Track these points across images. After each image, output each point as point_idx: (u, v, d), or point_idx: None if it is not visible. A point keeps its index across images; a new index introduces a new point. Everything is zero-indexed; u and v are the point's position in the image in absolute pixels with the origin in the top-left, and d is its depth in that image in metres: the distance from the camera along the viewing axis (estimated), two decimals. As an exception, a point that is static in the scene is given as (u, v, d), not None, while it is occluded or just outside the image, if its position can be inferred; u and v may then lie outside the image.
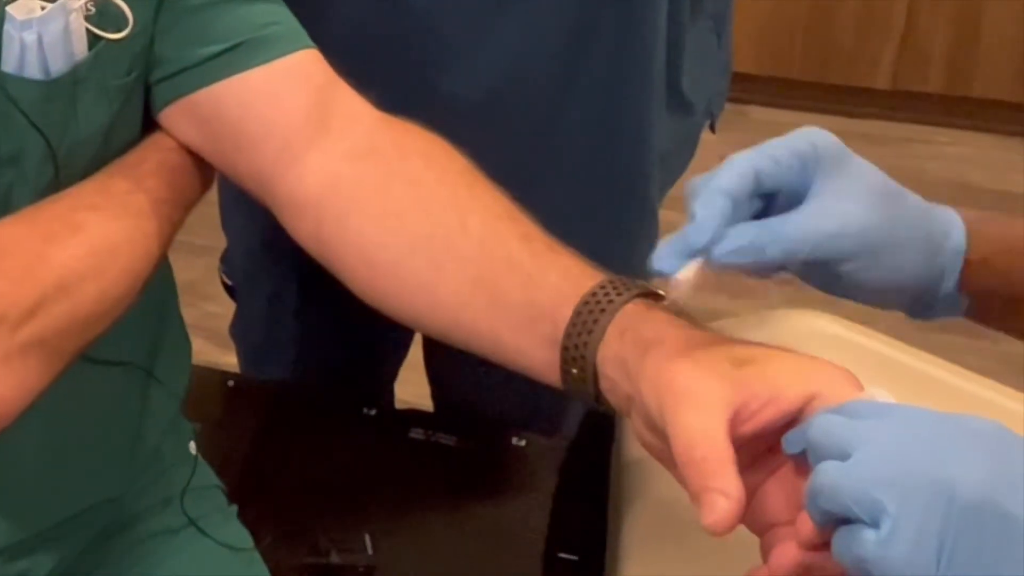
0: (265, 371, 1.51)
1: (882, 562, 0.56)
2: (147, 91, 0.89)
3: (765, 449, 0.68)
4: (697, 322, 0.74)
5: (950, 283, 0.77)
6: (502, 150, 1.18)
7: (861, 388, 0.66)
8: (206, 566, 1.03)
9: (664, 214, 1.35)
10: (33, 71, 0.78)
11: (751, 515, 0.67)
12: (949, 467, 0.56)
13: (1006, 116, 3.21)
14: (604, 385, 0.74)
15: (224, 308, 1.57)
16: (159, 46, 0.86)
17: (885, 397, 0.64)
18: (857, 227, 0.71)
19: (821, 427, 0.62)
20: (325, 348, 1.49)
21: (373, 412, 1.38)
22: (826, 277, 0.74)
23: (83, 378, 0.86)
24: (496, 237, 0.81)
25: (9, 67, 0.77)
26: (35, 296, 0.76)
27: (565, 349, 0.75)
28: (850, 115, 3.26)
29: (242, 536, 1.07)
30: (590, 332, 0.74)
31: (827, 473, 0.59)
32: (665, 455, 0.66)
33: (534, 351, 0.78)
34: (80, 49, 0.80)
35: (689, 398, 0.66)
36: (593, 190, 1.27)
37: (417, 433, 1.34)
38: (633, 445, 0.82)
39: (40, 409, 0.79)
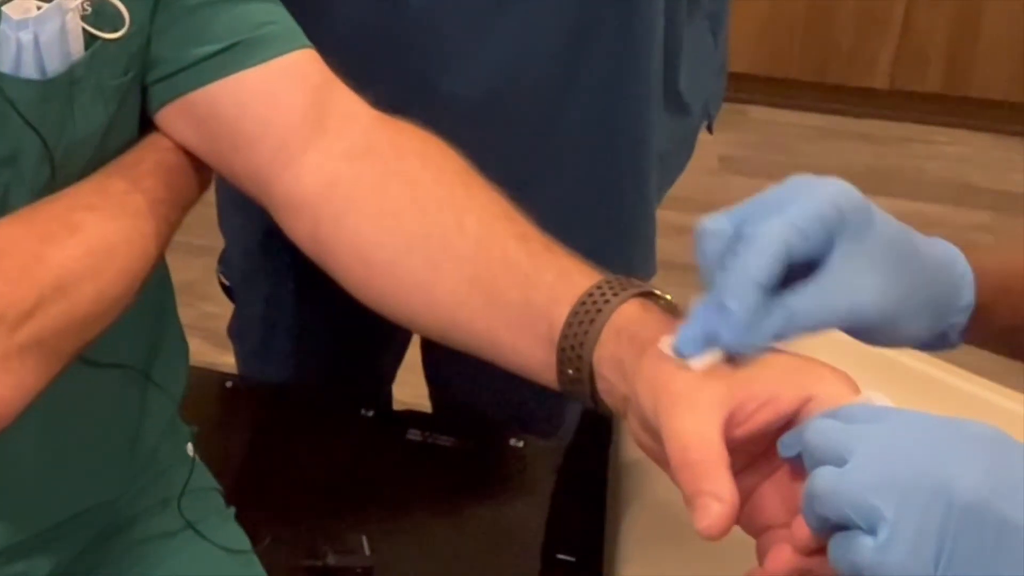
0: (263, 371, 1.50)
1: (879, 568, 0.56)
2: (144, 91, 0.88)
3: (761, 451, 0.67)
4: None
5: (956, 334, 0.77)
6: (501, 150, 1.18)
7: (858, 391, 0.66)
8: (204, 568, 1.03)
9: (663, 214, 1.35)
10: (29, 71, 0.78)
11: (747, 517, 0.67)
12: (946, 472, 0.56)
13: (1005, 115, 3.21)
14: (601, 386, 0.74)
15: (222, 308, 1.56)
16: (156, 46, 0.86)
17: (882, 400, 0.64)
18: (874, 306, 0.69)
19: (817, 431, 0.61)
20: (323, 349, 1.49)
21: (371, 413, 1.38)
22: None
23: (81, 380, 0.86)
24: (493, 237, 0.81)
25: (5, 67, 0.77)
26: (33, 296, 0.76)
27: (561, 350, 0.75)
28: (849, 115, 3.27)
29: (240, 538, 1.07)
30: (586, 333, 0.74)
31: (823, 479, 0.59)
32: (661, 456, 0.66)
33: (531, 351, 0.78)
34: (76, 49, 0.80)
35: (684, 400, 0.65)
36: (591, 190, 1.27)
37: (415, 434, 1.34)
38: (631, 446, 0.82)
39: (38, 411, 0.78)
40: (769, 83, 3.24)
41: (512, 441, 1.34)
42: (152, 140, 0.89)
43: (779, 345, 0.69)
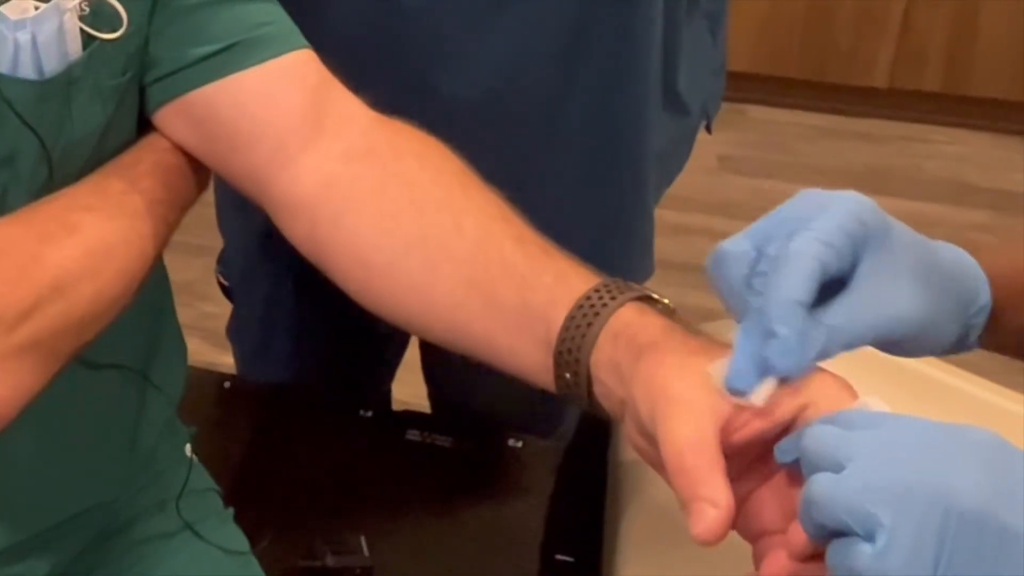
0: (262, 372, 1.50)
1: None
2: (142, 91, 0.88)
3: (758, 456, 0.67)
4: (692, 328, 0.73)
5: (974, 337, 0.76)
6: (500, 150, 1.18)
7: (855, 396, 0.66)
8: (202, 569, 1.02)
9: (661, 213, 1.35)
10: (27, 71, 0.78)
11: (743, 523, 0.67)
12: (945, 479, 0.55)
13: (1003, 115, 3.21)
14: (598, 390, 0.74)
15: (221, 308, 1.56)
16: (153, 46, 0.86)
17: (880, 406, 0.64)
18: (907, 317, 0.68)
19: (814, 437, 0.61)
20: (321, 349, 1.48)
21: (369, 414, 1.38)
22: None
23: (79, 381, 0.86)
24: (490, 239, 0.81)
25: (3, 67, 0.77)
26: (30, 297, 0.76)
27: (559, 354, 0.75)
28: (848, 114, 3.27)
29: (238, 539, 1.07)
30: (583, 336, 0.74)
31: (820, 485, 0.58)
32: (657, 461, 0.66)
33: (528, 354, 0.77)
34: (74, 49, 0.80)
35: (680, 405, 0.65)
36: (590, 190, 1.27)
37: (413, 435, 1.34)
38: (630, 447, 0.82)
39: (36, 412, 0.78)
40: (768, 82, 3.24)
41: (511, 441, 1.34)
42: (150, 140, 0.89)
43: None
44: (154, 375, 0.99)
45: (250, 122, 0.86)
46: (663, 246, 1.38)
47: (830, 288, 0.67)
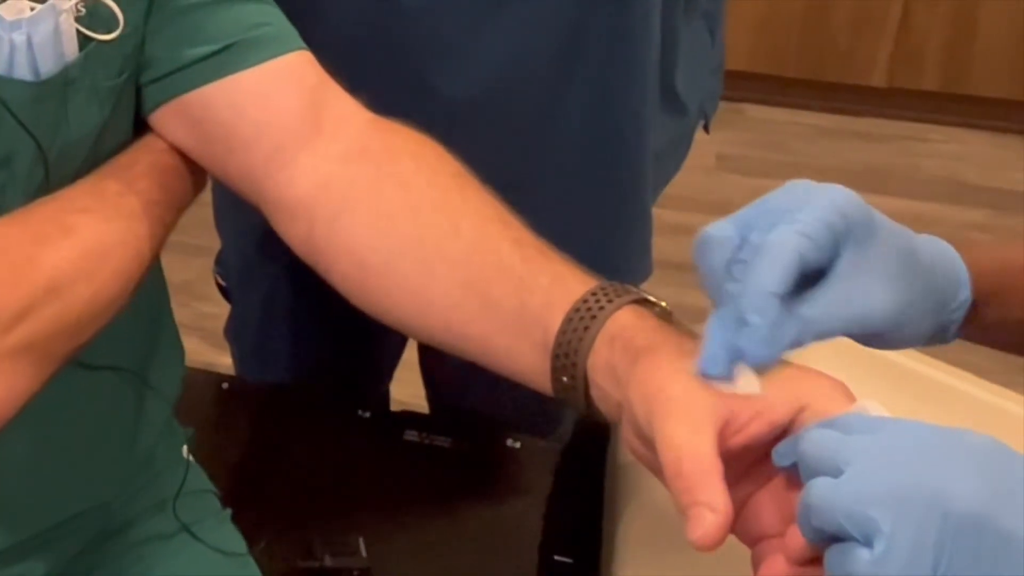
0: (260, 372, 1.50)
1: None
2: (138, 92, 0.88)
3: (756, 460, 0.67)
4: (688, 331, 0.73)
5: (952, 331, 0.77)
6: (498, 150, 1.18)
7: (853, 399, 0.66)
8: (200, 571, 1.02)
9: (659, 212, 1.35)
10: (23, 72, 0.77)
11: (742, 526, 0.67)
12: (943, 483, 0.55)
13: (1001, 113, 3.21)
14: (595, 393, 0.74)
15: (219, 308, 1.56)
16: (150, 47, 0.85)
17: (878, 410, 0.63)
18: (883, 311, 0.69)
19: (812, 442, 0.61)
20: (319, 349, 1.48)
21: (368, 414, 1.37)
22: None
23: (75, 383, 0.86)
24: (487, 241, 0.81)
25: (-1, 68, 0.77)
26: (25, 299, 0.76)
27: (556, 357, 0.75)
28: (846, 113, 3.26)
29: (236, 541, 1.07)
30: (580, 340, 0.74)
31: (818, 490, 0.58)
32: (655, 464, 0.66)
33: (525, 357, 0.77)
34: (70, 50, 0.79)
35: (677, 409, 0.65)
36: (588, 190, 1.26)
37: (412, 435, 1.34)
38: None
39: (32, 414, 0.78)
40: (766, 81, 3.23)
41: (509, 442, 1.34)
42: (146, 142, 0.88)
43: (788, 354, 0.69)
44: (151, 376, 0.99)
45: (247, 123, 0.86)
46: (661, 245, 1.38)
47: (810, 278, 0.67)
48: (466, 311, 0.80)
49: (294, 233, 0.86)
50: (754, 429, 0.65)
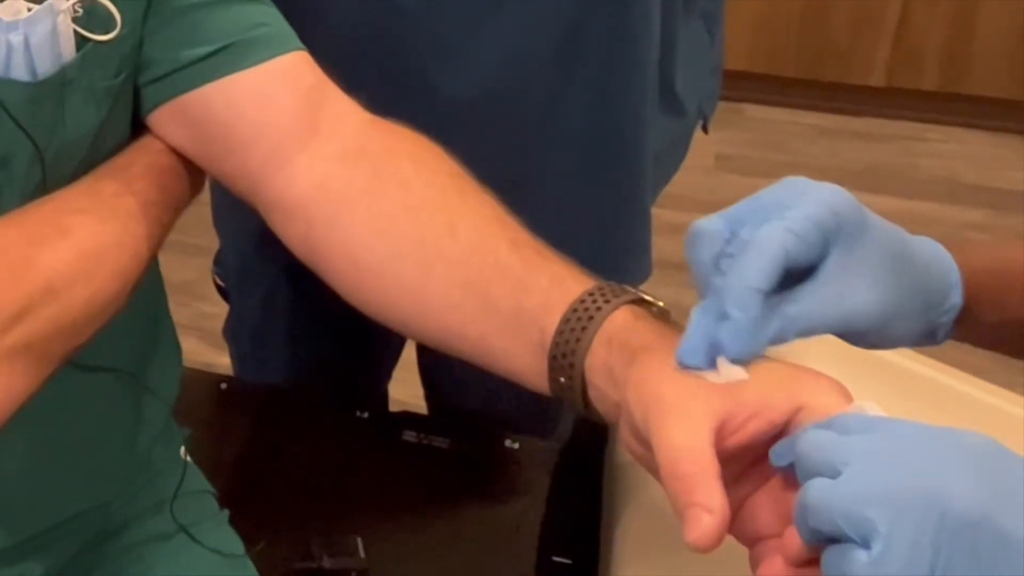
0: (258, 373, 1.50)
1: None
2: (136, 93, 0.88)
3: (753, 460, 0.67)
4: None
5: (943, 332, 0.77)
6: (498, 150, 1.17)
7: (850, 399, 0.65)
8: (197, 572, 1.02)
9: (658, 212, 1.35)
10: (20, 73, 0.77)
11: (739, 527, 0.67)
12: (941, 484, 0.55)
13: (1000, 113, 3.21)
14: (592, 394, 0.74)
15: (218, 308, 1.56)
16: (148, 48, 0.85)
17: (875, 410, 0.63)
18: (868, 311, 0.69)
19: (810, 442, 0.61)
20: (318, 350, 1.48)
21: (366, 415, 1.37)
22: None
23: (72, 384, 0.86)
24: (485, 242, 0.80)
25: (-5, 69, 0.77)
26: (22, 300, 0.75)
27: (553, 358, 0.75)
28: (844, 113, 3.26)
29: (233, 542, 1.07)
30: (578, 340, 0.74)
31: (816, 491, 0.58)
32: (653, 465, 0.65)
33: (522, 358, 0.77)
34: (68, 51, 0.79)
35: (674, 410, 0.65)
36: (587, 190, 1.26)
37: (410, 436, 1.34)
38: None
39: (28, 415, 0.78)
40: (765, 81, 3.23)
41: (507, 442, 1.34)
42: (144, 142, 0.88)
43: (773, 349, 0.69)
44: (149, 378, 0.99)
45: (245, 124, 0.86)
46: (660, 245, 1.38)
47: (799, 275, 0.68)
48: (464, 312, 0.80)
49: (292, 234, 0.86)
50: (751, 429, 0.65)
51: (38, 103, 0.79)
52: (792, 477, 0.63)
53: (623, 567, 1.08)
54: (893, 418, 0.61)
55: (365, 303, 0.84)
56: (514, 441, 1.34)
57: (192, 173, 0.90)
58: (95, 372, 0.91)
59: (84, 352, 0.82)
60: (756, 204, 0.69)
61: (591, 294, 0.75)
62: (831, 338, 0.72)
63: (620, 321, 0.73)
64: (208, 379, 1.42)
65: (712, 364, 0.66)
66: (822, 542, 0.58)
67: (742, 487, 0.67)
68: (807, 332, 0.68)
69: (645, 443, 0.66)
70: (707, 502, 0.61)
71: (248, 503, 1.15)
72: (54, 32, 0.78)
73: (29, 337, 0.76)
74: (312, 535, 1.18)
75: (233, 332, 1.54)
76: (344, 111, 0.88)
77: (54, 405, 0.82)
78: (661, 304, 0.76)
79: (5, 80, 0.77)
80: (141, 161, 0.87)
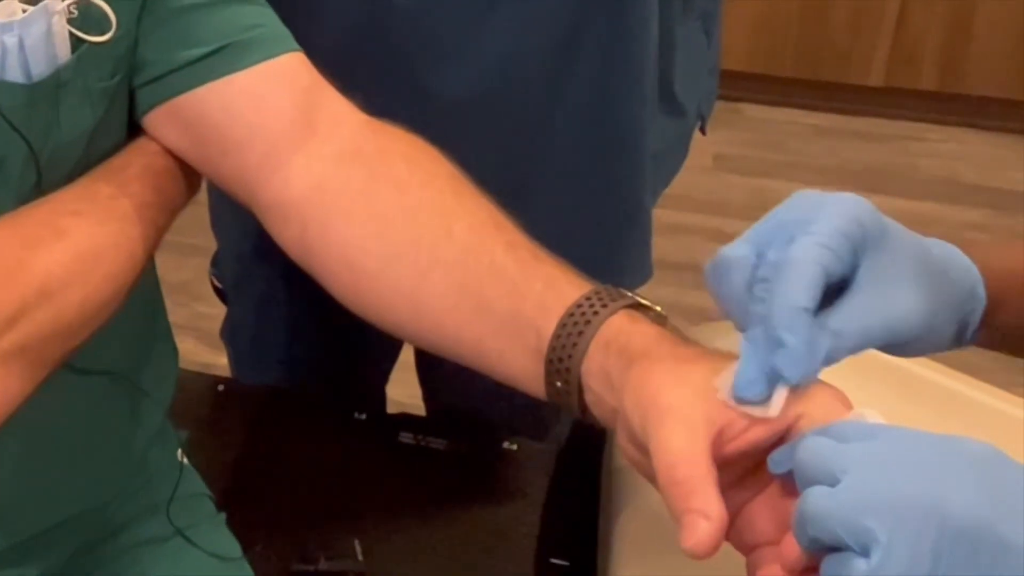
0: (256, 374, 1.50)
1: None
2: (131, 94, 0.87)
3: (751, 467, 0.67)
4: (683, 336, 0.73)
5: (970, 334, 0.76)
6: (495, 151, 1.17)
7: (850, 406, 0.65)
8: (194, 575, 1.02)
9: (658, 213, 1.35)
10: (15, 74, 0.77)
11: (737, 534, 0.66)
12: (940, 493, 0.55)
13: (999, 113, 3.21)
14: (589, 398, 0.73)
15: (217, 309, 1.56)
16: (143, 49, 0.85)
17: (874, 417, 0.63)
18: (910, 318, 0.68)
19: (809, 450, 0.60)
20: (315, 351, 1.48)
21: (363, 417, 1.37)
22: None
23: (67, 388, 0.85)
24: (481, 244, 0.80)
25: (-11, 71, 0.76)
26: (16, 303, 0.75)
27: (549, 362, 0.74)
28: (843, 112, 3.26)
29: (230, 545, 1.06)
30: (575, 345, 0.73)
31: (815, 500, 0.58)
32: (650, 471, 0.65)
33: (518, 361, 0.77)
34: (63, 52, 0.79)
35: (672, 416, 0.64)
36: (585, 192, 1.26)
37: (407, 437, 1.34)
38: (624, 451, 0.82)
39: (23, 418, 0.77)
40: (763, 81, 3.23)
41: (505, 444, 1.33)
42: (140, 144, 0.88)
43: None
44: (144, 381, 0.99)
45: (240, 125, 0.85)
46: (659, 245, 1.37)
47: (831, 291, 0.66)
48: (459, 315, 0.79)
49: (287, 235, 0.86)
50: (750, 436, 0.65)
51: (33, 105, 0.78)
52: (790, 484, 0.63)
53: (621, 569, 1.07)
54: (892, 425, 0.61)
55: (360, 306, 0.84)
56: (512, 443, 1.33)
57: (188, 175, 0.90)
58: (90, 375, 0.90)
59: (79, 355, 0.82)
60: (775, 223, 0.67)
61: (588, 298, 0.75)
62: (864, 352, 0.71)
63: (617, 326, 0.73)
64: (205, 381, 1.42)
65: (769, 394, 0.64)
66: (821, 550, 0.58)
67: (740, 493, 0.67)
68: (857, 347, 0.66)
69: (642, 449, 0.66)
70: (704, 508, 0.61)
71: (245, 505, 1.15)
72: (49, 33, 0.77)
73: (24, 340, 0.75)
74: (309, 537, 1.18)
75: (230, 334, 1.53)
76: (340, 112, 0.88)
77: (49, 408, 0.82)
78: (659, 308, 0.75)
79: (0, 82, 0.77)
80: (137, 163, 0.87)
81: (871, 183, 2.91)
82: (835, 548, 0.57)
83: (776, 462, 0.65)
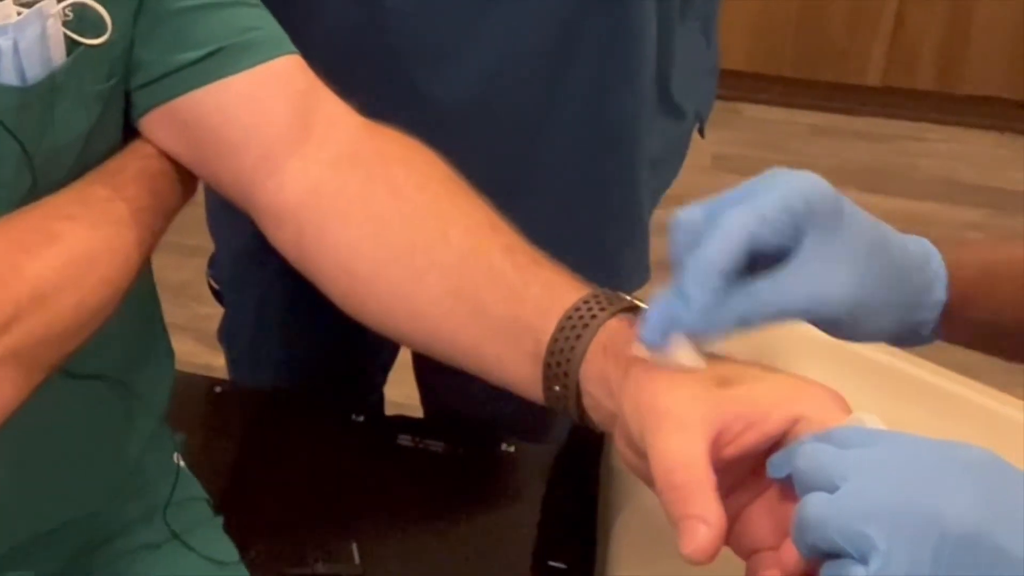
0: (253, 376, 1.50)
1: None
2: (127, 97, 0.87)
3: (750, 471, 0.66)
4: None
5: (928, 330, 0.77)
6: (489, 155, 1.17)
7: (848, 411, 0.65)
8: (190, 579, 1.02)
9: (657, 213, 1.34)
10: (9, 77, 0.77)
11: (735, 538, 0.66)
12: (940, 500, 0.54)
13: (997, 112, 3.21)
14: (587, 403, 0.73)
15: (215, 309, 1.56)
16: (139, 51, 0.85)
17: (874, 422, 0.63)
18: (837, 298, 0.69)
19: (808, 456, 0.60)
20: (313, 353, 1.48)
21: (361, 419, 1.37)
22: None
23: (62, 392, 0.85)
24: (478, 248, 0.80)
25: (-16, 73, 0.76)
26: (10, 308, 0.75)
27: (547, 366, 0.74)
28: (841, 112, 3.26)
29: (227, 549, 1.06)
30: (572, 349, 0.73)
31: (814, 506, 0.57)
32: (648, 475, 0.65)
33: (516, 366, 0.77)
34: (58, 55, 0.79)
35: (670, 420, 0.64)
36: (582, 195, 1.26)
37: (405, 440, 1.33)
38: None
39: (18, 423, 0.77)
40: (762, 81, 3.23)
41: (503, 446, 1.33)
42: (135, 147, 0.88)
43: (766, 352, 0.68)
44: (140, 385, 0.98)
45: (237, 128, 0.85)
46: (657, 245, 1.36)
47: (769, 262, 0.68)
48: (456, 319, 0.79)
49: (283, 239, 0.86)
50: (748, 439, 0.64)
51: (27, 108, 0.78)
52: (790, 488, 0.62)
53: (619, 571, 1.07)
54: (892, 431, 0.61)
55: (356, 309, 0.84)
56: (510, 445, 1.33)
57: (184, 178, 0.89)
58: (85, 379, 0.90)
59: (74, 360, 0.81)
60: (735, 194, 0.70)
61: (586, 302, 0.75)
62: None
63: (616, 329, 0.73)
64: (202, 383, 1.42)
65: (668, 342, 0.67)
66: (820, 556, 0.58)
67: (739, 498, 0.66)
68: (775, 316, 0.68)
69: (640, 453, 0.66)
70: (703, 513, 0.60)
71: (242, 508, 1.15)
72: (44, 36, 0.77)
73: (18, 345, 0.75)
74: (306, 540, 1.17)
75: (227, 335, 1.53)
76: (337, 115, 0.87)
77: (43, 413, 0.81)
78: None
79: (-6, 84, 0.76)
80: (132, 166, 0.86)
81: (870, 183, 2.91)
82: (834, 555, 0.57)
83: (775, 466, 0.64)
